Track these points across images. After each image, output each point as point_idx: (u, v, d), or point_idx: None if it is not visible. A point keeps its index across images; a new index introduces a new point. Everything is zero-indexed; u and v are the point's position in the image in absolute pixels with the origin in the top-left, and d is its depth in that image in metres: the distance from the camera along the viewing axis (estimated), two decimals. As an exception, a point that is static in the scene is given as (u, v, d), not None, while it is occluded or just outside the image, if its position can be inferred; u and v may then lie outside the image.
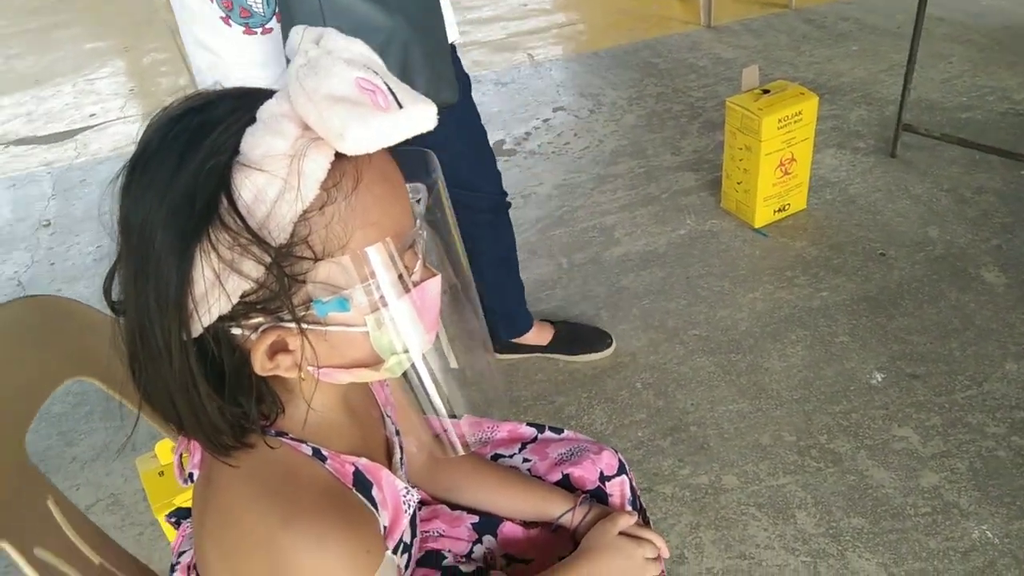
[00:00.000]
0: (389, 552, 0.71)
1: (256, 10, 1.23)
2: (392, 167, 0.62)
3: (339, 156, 0.55)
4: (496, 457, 1.02)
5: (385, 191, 0.60)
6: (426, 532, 0.94)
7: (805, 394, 1.85)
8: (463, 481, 0.97)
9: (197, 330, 0.57)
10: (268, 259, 0.54)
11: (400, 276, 0.60)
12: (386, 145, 0.55)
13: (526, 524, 0.96)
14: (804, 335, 2.01)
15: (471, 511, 0.96)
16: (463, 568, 0.89)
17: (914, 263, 2.19)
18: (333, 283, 0.58)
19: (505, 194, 1.76)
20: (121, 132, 3.56)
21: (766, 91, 2.28)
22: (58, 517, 0.82)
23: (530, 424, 1.06)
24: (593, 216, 2.55)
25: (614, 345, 2.02)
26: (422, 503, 0.96)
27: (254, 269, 0.55)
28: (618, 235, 2.45)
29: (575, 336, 2.03)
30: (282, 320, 0.58)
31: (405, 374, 0.67)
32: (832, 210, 2.44)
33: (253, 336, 0.59)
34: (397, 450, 0.82)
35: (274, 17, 1.24)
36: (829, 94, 3.03)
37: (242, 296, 0.56)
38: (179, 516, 0.92)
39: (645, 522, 0.99)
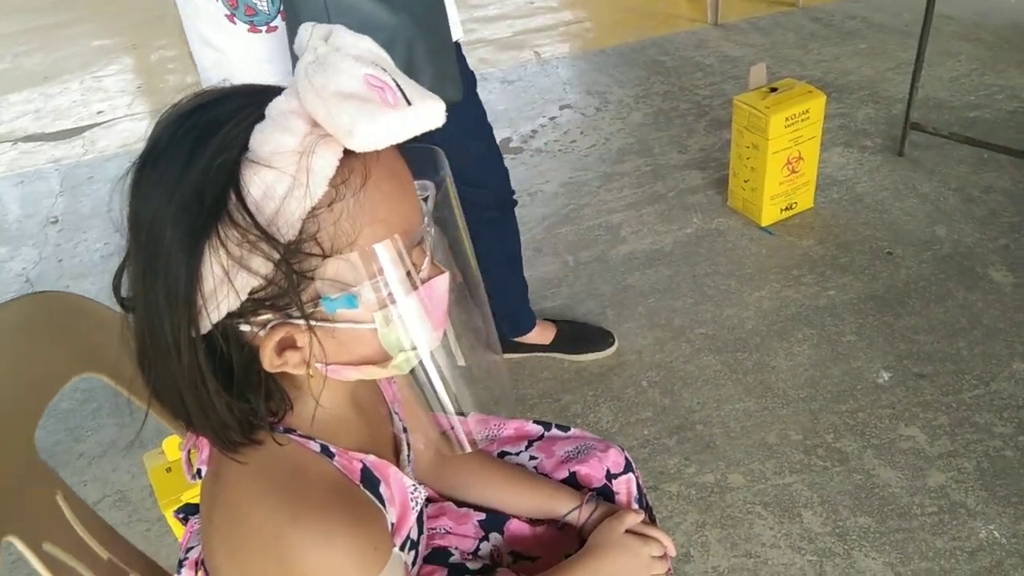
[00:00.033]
0: (396, 549, 0.71)
1: (261, 8, 1.23)
2: (400, 164, 0.62)
3: (348, 153, 0.55)
4: (503, 454, 1.02)
5: (393, 188, 0.60)
6: (433, 529, 0.94)
7: (811, 393, 1.84)
8: (470, 478, 0.97)
9: (206, 327, 0.57)
10: (277, 256, 0.54)
11: (408, 273, 0.60)
12: (395, 142, 0.55)
13: (533, 522, 0.96)
14: (811, 334, 2.00)
15: (478, 508, 0.96)
16: (470, 565, 0.89)
17: (921, 262, 2.19)
18: (341, 280, 0.58)
19: (512, 192, 1.76)
20: (129, 129, 3.57)
21: (773, 89, 2.28)
22: (67, 512, 0.82)
23: (537, 422, 1.06)
24: (599, 214, 2.55)
25: (616, 344, 2.02)
26: (429, 500, 0.96)
27: (263, 266, 0.55)
28: (624, 233, 2.45)
29: (577, 335, 2.03)
30: (291, 317, 0.58)
31: (413, 371, 0.67)
32: (839, 209, 2.44)
33: (262, 333, 0.59)
34: (404, 447, 0.82)
35: (279, 15, 1.24)
36: (836, 92, 3.02)
37: (251, 293, 0.56)
38: (187, 512, 0.92)
39: (652, 520, 0.99)
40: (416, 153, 0.64)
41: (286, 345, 0.60)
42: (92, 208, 2.99)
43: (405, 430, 0.84)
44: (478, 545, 0.94)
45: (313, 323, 0.59)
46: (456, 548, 0.92)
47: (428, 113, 0.56)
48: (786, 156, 2.28)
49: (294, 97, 0.55)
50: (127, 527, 1.73)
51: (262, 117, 0.55)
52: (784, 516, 1.59)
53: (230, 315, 0.57)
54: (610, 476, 0.99)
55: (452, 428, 0.76)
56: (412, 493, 0.75)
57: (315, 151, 0.54)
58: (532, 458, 1.01)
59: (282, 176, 0.53)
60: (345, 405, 0.72)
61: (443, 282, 0.65)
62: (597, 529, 0.91)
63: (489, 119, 1.66)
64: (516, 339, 1.99)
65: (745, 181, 2.38)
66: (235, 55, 1.26)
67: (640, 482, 1.01)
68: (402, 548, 0.75)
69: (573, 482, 0.99)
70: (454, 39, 1.38)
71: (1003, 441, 1.68)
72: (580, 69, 3.58)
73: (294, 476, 0.65)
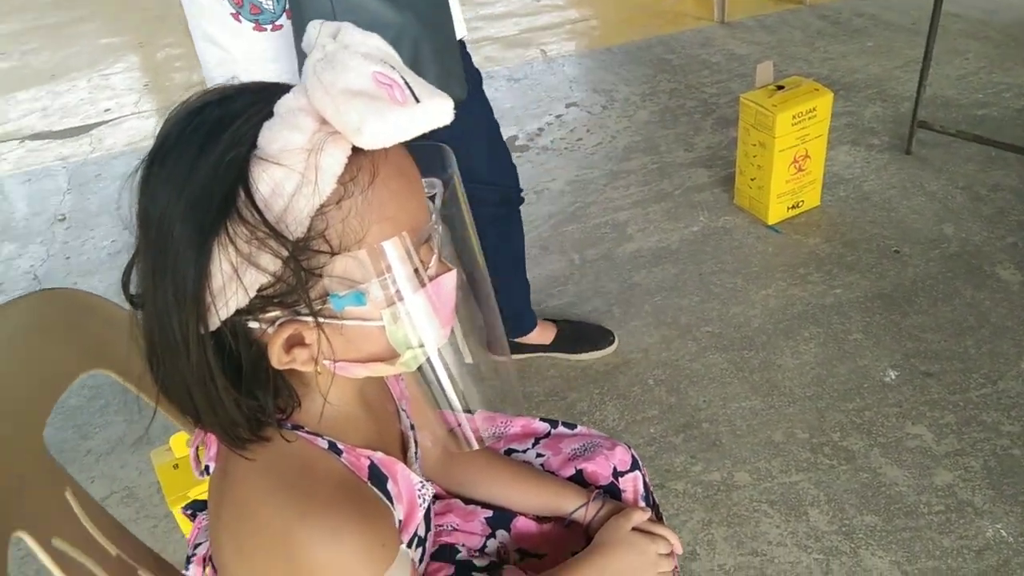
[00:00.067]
0: (404, 546, 0.72)
1: (266, 7, 1.23)
2: (408, 162, 0.62)
3: (356, 150, 0.55)
4: (510, 452, 1.02)
5: (401, 186, 0.60)
6: (440, 526, 0.94)
7: (818, 391, 1.84)
8: (477, 475, 0.97)
9: (215, 324, 0.57)
10: (285, 253, 0.54)
11: (416, 270, 0.61)
12: (403, 139, 0.55)
13: (539, 519, 0.96)
14: (817, 332, 2.00)
15: (485, 505, 0.96)
16: (477, 562, 0.89)
17: (929, 260, 2.18)
18: (349, 277, 0.58)
19: (521, 189, 1.76)
20: (135, 127, 3.58)
21: (780, 87, 2.27)
22: (76, 508, 0.82)
23: (543, 419, 1.06)
24: (606, 212, 2.55)
25: (616, 342, 2.02)
26: (436, 497, 0.96)
27: (271, 263, 0.55)
28: (630, 231, 2.45)
29: (577, 334, 2.02)
30: (299, 314, 0.58)
31: (420, 368, 0.67)
32: (846, 207, 2.43)
33: (270, 330, 0.59)
34: (412, 444, 0.83)
35: (284, 14, 1.24)
36: (844, 90, 3.01)
37: (259, 290, 0.56)
38: (195, 508, 0.93)
39: (658, 518, 0.99)
40: (424, 151, 0.64)
41: (294, 342, 0.60)
42: (99, 206, 3.00)
43: (412, 427, 0.84)
44: (485, 542, 0.94)
45: (321, 320, 0.59)
46: (463, 545, 0.92)
47: (437, 110, 0.56)
48: (793, 154, 2.28)
49: (303, 94, 0.55)
50: (134, 523, 1.73)
51: (271, 114, 0.55)
52: (790, 514, 1.59)
53: (239, 312, 0.57)
54: (617, 474, 0.99)
55: (459, 425, 0.76)
56: (419, 490, 0.76)
57: (324, 148, 0.54)
58: (539, 455, 1.01)
59: (291, 173, 0.54)
60: (353, 402, 0.72)
61: (451, 279, 0.65)
62: (604, 527, 0.91)
63: (495, 117, 1.66)
64: (517, 339, 1.99)
65: (752, 179, 2.37)
66: (240, 53, 1.27)
67: (647, 480, 1.01)
68: (409, 545, 0.75)
69: (580, 480, 0.99)
70: (458, 37, 1.39)
71: (1011, 440, 1.67)
72: (586, 67, 3.58)
73: (302, 473, 0.65)
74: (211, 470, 0.73)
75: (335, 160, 0.54)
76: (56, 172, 3.29)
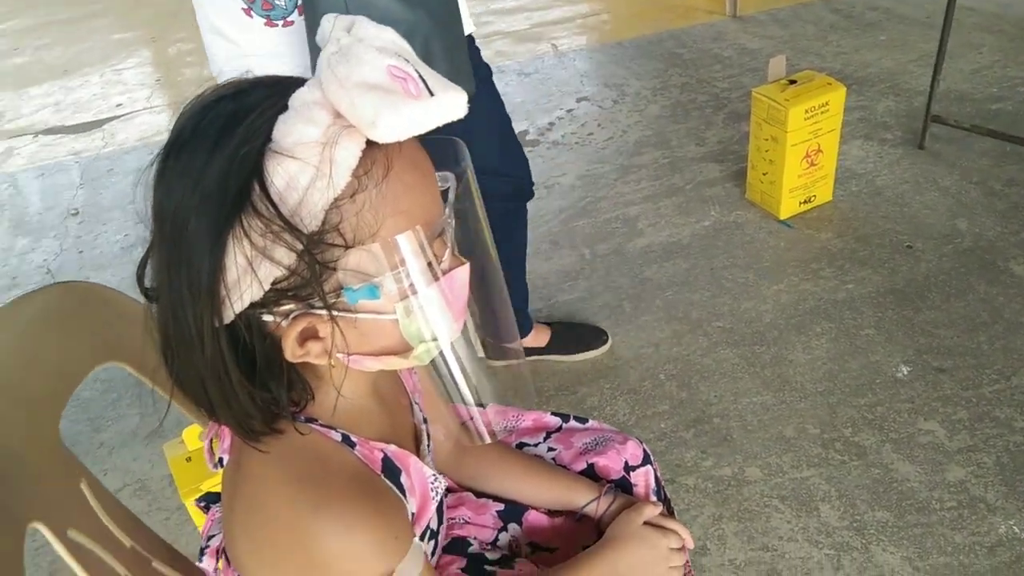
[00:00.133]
0: (416, 539, 0.72)
1: (278, 3, 1.23)
2: (422, 155, 0.62)
3: (370, 144, 0.55)
4: (521, 446, 1.03)
5: (415, 179, 0.60)
6: (452, 519, 0.94)
7: (830, 387, 1.83)
8: (489, 469, 0.97)
9: (229, 317, 0.58)
10: (300, 246, 0.54)
11: (429, 264, 0.61)
12: (417, 133, 0.55)
13: (551, 513, 0.96)
14: (829, 327, 1.99)
15: (496, 499, 0.96)
16: (488, 555, 0.90)
17: (942, 256, 2.17)
18: (363, 271, 0.58)
19: (532, 183, 1.75)
20: (147, 122, 3.60)
21: (793, 81, 2.26)
22: (91, 500, 0.83)
23: (555, 413, 1.06)
24: (616, 207, 2.54)
25: (610, 341, 2.02)
26: (448, 490, 0.97)
27: (286, 256, 0.55)
28: (641, 226, 2.44)
29: (571, 336, 2.02)
30: (313, 307, 0.59)
31: (433, 362, 0.67)
32: (858, 202, 2.42)
33: (284, 323, 0.59)
34: (425, 437, 0.83)
35: (296, 10, 1.24)
36: (857, 85, 2.99)
37: (273, 283, 0.56)
38: (208, 501, 0.93)
39: (670, 512, 0.99)
40: (437, 144, 0.64)
41: (308, 335, 0.61)
42: (112, 200, 3.01)
43: (425, 420, 0.84)
44: (497, 535, 0.94)
45: (335, 313, 0.59)
46: (475, 538, 0.93)
47: (451, 104, 0.56)
48: (805, 149, 2.27)
49: (317, 88, 0.55)
50: (147, 516, 1.74)
51: (285, 108, 0.55)
52: (801, 510, 1.58)
53: (253, 305, 0.57)
54: (628, 468, 0.99)
55: (472, 419, 0.77)
56: (432, 483, 0.76)
57: (338, 142, 0.54)
58: (550, 449, 1.02)
59: (305, 167, 0.54)
60: (366, 395, 0.73)
61: (464, 273, 0.65)
62: (615, 521, 0.91)
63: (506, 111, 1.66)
64: None
65: (763, 174, 2.36)
66: (250, 48, 1.27)
67: (658, 474, 1.01)
68: (422, 538, 0.75)
69: (591, 474, 0.99)
70: (466, 33, 1.39)
71: (1023, 436, 1.67)
72: (597, 61, 3.57)
73: (315, 465, 0.66)
74: (224, 463, 0.73)
75: (349, 153, 0.54)
76: (69, 167, 3.31)
